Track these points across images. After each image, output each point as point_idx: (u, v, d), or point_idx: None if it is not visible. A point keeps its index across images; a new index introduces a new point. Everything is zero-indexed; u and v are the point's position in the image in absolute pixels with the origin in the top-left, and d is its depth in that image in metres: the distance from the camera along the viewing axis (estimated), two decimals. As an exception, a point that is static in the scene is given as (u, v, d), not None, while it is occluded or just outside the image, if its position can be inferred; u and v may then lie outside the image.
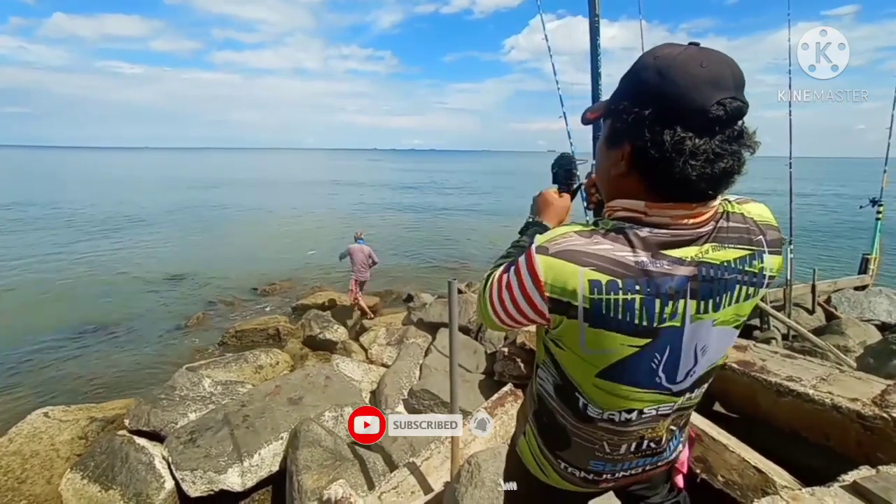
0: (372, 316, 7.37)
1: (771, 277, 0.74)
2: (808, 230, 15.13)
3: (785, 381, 2.34)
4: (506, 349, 3.95)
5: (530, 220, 1.02)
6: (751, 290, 0.72)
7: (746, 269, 0.70)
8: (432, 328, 5.87)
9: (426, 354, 5.08)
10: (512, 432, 2.60)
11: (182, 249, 13.08)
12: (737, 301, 0.71)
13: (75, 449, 3.61)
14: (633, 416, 0.78)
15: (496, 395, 2.76)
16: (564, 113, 3.44)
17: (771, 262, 0.72)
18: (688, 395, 0.79)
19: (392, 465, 3.04)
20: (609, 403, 0.77)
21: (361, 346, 6.02)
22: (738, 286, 0.70)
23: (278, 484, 3.25)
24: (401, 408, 4.27)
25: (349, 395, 4.09)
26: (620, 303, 0.65)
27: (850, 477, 1.53)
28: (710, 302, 0.69)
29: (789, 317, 4.98)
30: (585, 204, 1.18)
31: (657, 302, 0.66)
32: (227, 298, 8.72)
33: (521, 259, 0.72)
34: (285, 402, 3.79)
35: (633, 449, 0.84)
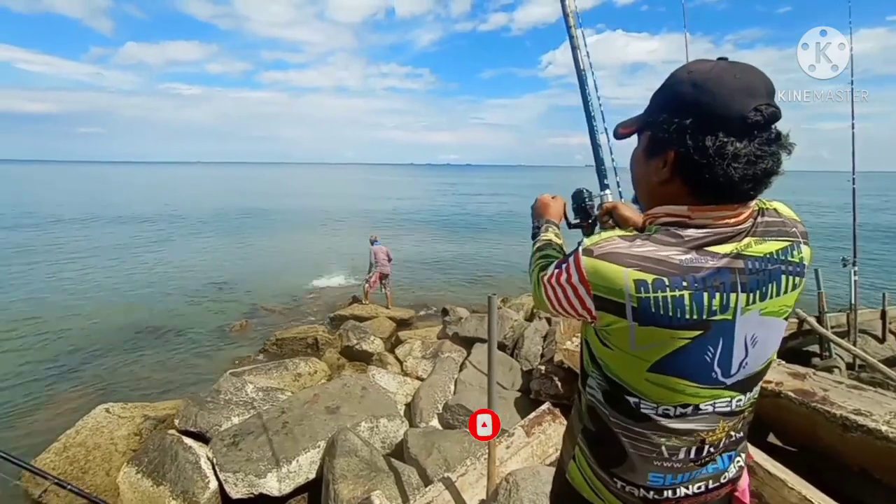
0: (367, 303, 8.59)
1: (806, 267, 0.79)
2: (875, 251, 13.98)
3: (852, 414, 2.17)
4: (543, 367, 3.87)
5: (535, 224, 1.13)
6: (795, 279, 0.75)
7: (789, 259, 0.74)
8: (467, 343, 5.85)
9: (461, 369, 5.05)
10: (549, 452, 2.54)
11: (228, 258, 13.77)
12: (784, 291, 0.75)
13: (131, 444, 3.84)
14: (689, 410, 0.77)
15: (533, 414, 2.71)
16: (606, 129, 3.39)
17: (806, 252, 0.77)
18: (743, 394, 0.80)
19: (427, 480, 3.03)
20: (663, 397, 0.76)
21: (397, 358, 6.07)
22: (783, 276, 0.74)
23: (314, 491, 3.31)
24: (435, 422, 4.26)
25: (385, 406, 4.13)
26: (669, 300, 0.68)
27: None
28: (758, 293, 0.72)
29: (855, 344, 4.59)
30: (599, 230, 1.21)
31: (705, 295, 0.69)
32: (268, 306, 9.08)
33: (570, 259, 0.77)
34: (323, 410, 3.88)
35: (692, 455, 0.80)
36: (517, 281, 11.40)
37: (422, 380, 5.13)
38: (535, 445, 2.47)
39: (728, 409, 0.79)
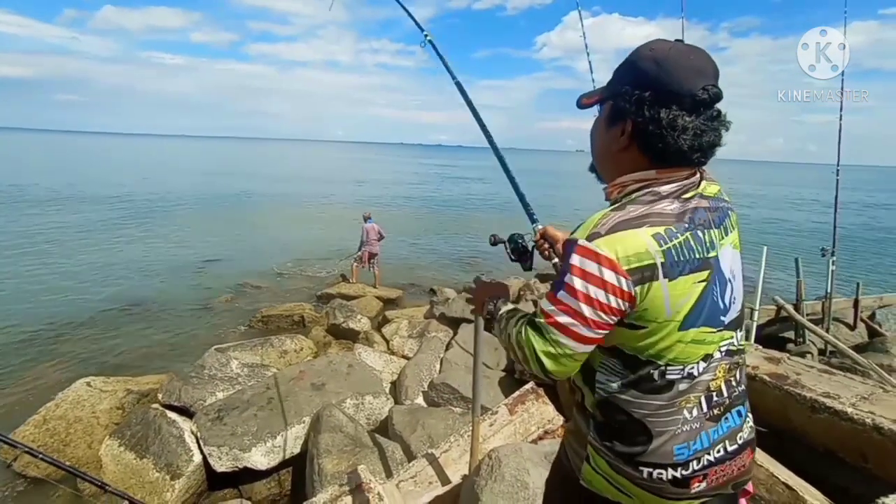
0: (353, 281, 8.68)
1: None
2: (853, 242, 14.35)
3: (821, 397, 2.25)
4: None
5: (491, 307, 1.00)
6: (734, 215, 0.86)
7: (724, 198, 0.86)
8: (454, 323, 5.89)
9: (447, 349, 5.10)
10: (531, 430, 2.59)
11: (213, 234, 13.53)
12: (733, 226, 0.85)
13: (113, 418, 3.81)
14: (705, 364, 0.79)
15: (517, 393, 2.75)
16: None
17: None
18: (735, 332, 0.84)
19: (410, 456, 3.09)
20: (690, 354, 0.78)
21: (383, 336, 6.10)
22: (729, 212, 0.85)
23: (299, 465, 3.35)
24: (420, 400, 4.32)
25: (370, 384, 4.16)
26: (682, 245, 0.73)
27: (889, 500, 1.46)
28: (722, 228, 0.81)
29: (828, 331, 4.75)
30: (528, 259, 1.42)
31: (699, 234, 0.76)
32: (254, 283, 8.98)
33: (576, 260, 0.73)
34: (308, 387, 3.90)
35: (704, 408, 0.80)
36: (504, 262, 11.47)
37: (408, 358, 5.18)
38: (518, 423, 2.52)
39: (728, 349, 0.82)
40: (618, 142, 0.80)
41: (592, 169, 0.92)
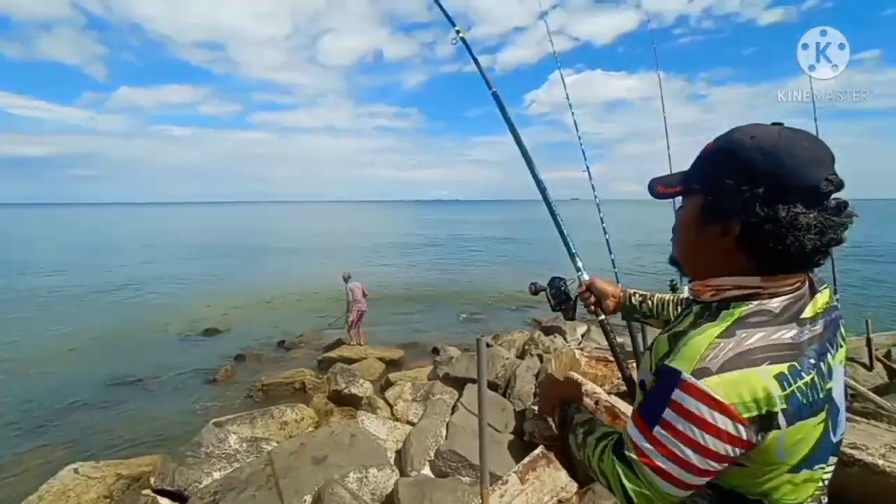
0: (359, 343, 8.44)
1: None
2: (854, 279, 14.29)
3: (849, 448, 2.14)
4: (536, 407, 3.79)
5: (567, 412, 0.95)
6: (842, 321, 0.75)
7: (835, 303, 0.74)
8: (459, 383, 5.71)
9: (453, 412, 4.91)
10: (545, 500, 2.43)
11: (213, 301, 13.49)
12: (843, 337, 0.75)
13: (101, 508, 3.59)
14: (813, 502, 0.71)
15: (527, 459, 2.62)
16: (588, 167, 3.54)
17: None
18: (837, 457, 0.75)
19: (418, 535, 2.87)
20: (798, 494, 0.68)
21: (387, 401, 5.89)
22: (840, 322, 0.74)
23: (299, 552, 3.10)
24: (427, 469, 4.08)
25: (374, 455, 3.96)
26: (806, 387, 0.62)
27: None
28: (836, 345, 0.71)
29: (844, 373, 4.59)
30: (581, 309, 1.30)
31: (822, 368, 0.65)
32: (255, 351, 8.82)
33: (681, 398, 0.62)
34: (310, 461, 3.70)
35: None
36: (506, 317, 11.34)
37: (412, 424, 4.96)
38: (530, 493, 2.38)
39: (829, 474, 0.73)
40: (719, 242, 0.70)
41: (673, 262, 0.84)
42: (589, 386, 3.28)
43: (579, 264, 1.36)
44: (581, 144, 4.59)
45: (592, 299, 1.24)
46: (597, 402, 3.06)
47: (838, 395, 0.70)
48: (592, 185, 3.71)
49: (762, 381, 0.60)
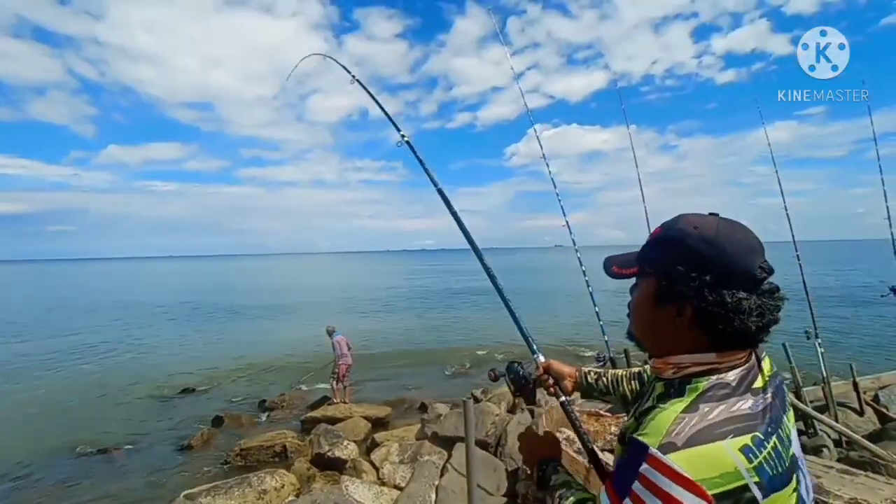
0: (343, 400, 8.18)
1: None
2: (830, 322, 14.50)
3: (848, 505, 2.09)
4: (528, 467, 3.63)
5: (546, 472, 1.00)
6: (784, 384, 0.79)
7: (775, 370, 0.78)
8: (448, 443, 5.47)
9: (442, 474, 4.67)
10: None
11: (191, 359, 12.98)
12: (787, 399, 0.78)
13: None
14: None
15: (522, 528, 2.48)
16: (567, 222, 3.66)
17: None
18: None
19: None
20: None
21: (372, 464, 5.58)
22: (784, 386, 0.78)
23: None
24: (416, 541, 3.81)
25: (359, 526, 3.69)
26: (770, 457, 0.64)
27: None
28: (786, 408, 0.74)
29: (836, 419, 4.55)
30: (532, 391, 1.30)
31: (781, 434, 0.68)
32: (234, 412, 8.38)
33: (648, 472, 0.63)
34: (288, 537, 3.43)
35: None
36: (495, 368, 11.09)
37: (400, 489, 4.69)
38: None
39: None
40: (674, 322, 0.75)
41: (631, 336, 0.87)
42: (568, 434, 3.19)
43: (534, 346, 1.36)
44: (559, 198, 4.78)
45: (551, 381, 1.25)
46: (578, 452, 2.98)
47: (800, 458, 0.73)
48: (573, 239, 3.82)
49: (728, 455, 0.61)
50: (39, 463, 6.49)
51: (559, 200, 4.82)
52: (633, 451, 0.67)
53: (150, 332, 17.59)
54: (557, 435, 1.12)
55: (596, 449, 1.09)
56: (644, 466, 0.63)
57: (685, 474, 0.60)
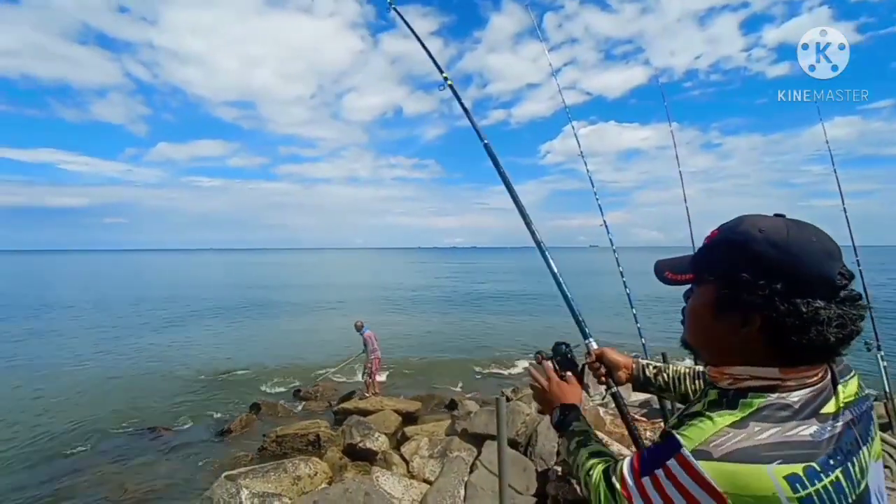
0: (374, 393, 8.39)
1: None
2: (894, 332, 13.44)
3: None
4: (559, 468, 3.59)
5: (557, 411, 1.03)
6: (873, 411, 0.71)
7: (865, 393, 0.70)
8: (477, 440, 5.47)
9: (471, 471, 4.67)
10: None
11: (232, 348, 13.59)
12: (876, 428, 0.70)
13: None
14: None
15: (553, 529, 2.46)
16: (605, 221, 3.57)
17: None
18: None
19: None
20: None
21: (402, 457, 5.66)
22: (872, 411, 0.70)
23: None
24: (444, 536, 3.85)
25: (389, 517, 3.76)
26: (829, 489, 0.58)
27: None
28: (868, 439, 0.67)
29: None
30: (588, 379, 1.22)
31: (850, 468, 0.61)
32: (271, 401, 8.73)
33: (675, 468, 0.62)
34: (322, 522, 3.54)
35: None
36: (526, 367, 10.99)
37: (429, 483, 4.73)
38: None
39: None
40: (738, 334, 0.68)
41: (685, 345, 0.81)
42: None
43: (587, 331, 1.31)
44: (596, 196, 4.65)
45: (603, 370, 1.20)
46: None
47: (876, 494, 0.66)
48: (611, 239, 3.72)
49: (769, 479, 0.57)
50: (97, 437, 7.02)
51: (597, 199, 4.70)
52: (667, 444, 0.65)
53: (194, 323, 18.53)
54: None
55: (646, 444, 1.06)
56: (671, 461, 0.62)
57: (711, 482, 0.58)
